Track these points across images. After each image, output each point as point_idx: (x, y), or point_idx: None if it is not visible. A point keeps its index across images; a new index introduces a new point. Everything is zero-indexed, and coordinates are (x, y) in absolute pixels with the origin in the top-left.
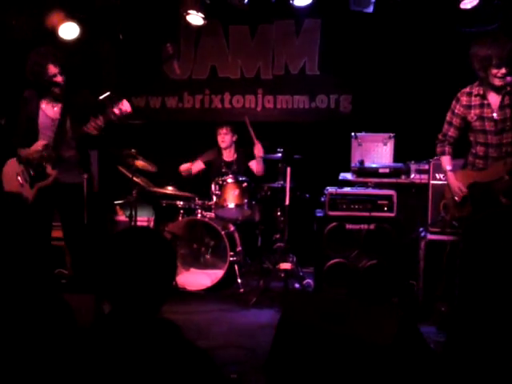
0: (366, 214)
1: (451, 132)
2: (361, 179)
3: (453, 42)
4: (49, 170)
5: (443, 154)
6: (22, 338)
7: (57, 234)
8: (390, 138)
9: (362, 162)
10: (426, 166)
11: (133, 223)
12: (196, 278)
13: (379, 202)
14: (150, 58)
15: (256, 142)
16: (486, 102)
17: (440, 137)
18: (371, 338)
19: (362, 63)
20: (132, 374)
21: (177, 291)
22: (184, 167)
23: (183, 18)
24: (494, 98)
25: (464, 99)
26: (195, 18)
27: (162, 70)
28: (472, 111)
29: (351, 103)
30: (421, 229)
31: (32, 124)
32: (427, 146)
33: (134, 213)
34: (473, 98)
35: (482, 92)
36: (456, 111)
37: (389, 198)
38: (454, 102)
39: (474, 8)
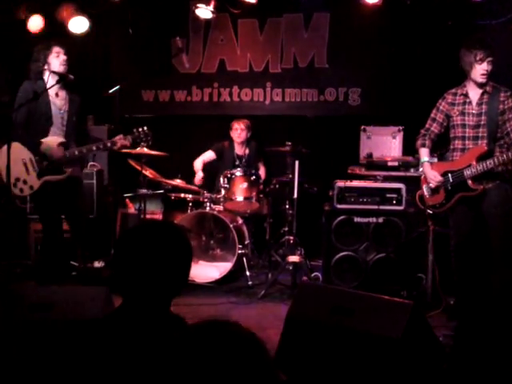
0: (375, 207)
1: (433, 127)
2: (369, 172)
3: (463, 35)
4: (65, 168)
5: (423, 146)
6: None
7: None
8: (398, 131)
9: (370, 155)
10: (436, 159)
11: (142, 216)
12: (205, 271)
13: (388, 195)
14: (159, 52)
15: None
16: (468, 100)
17: (422, 131)
18: (380, 331)
19: (371, 56)
20: (140, 366)
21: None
22: (198, 180)
23: (192, 11)
24: (474, 96)
25: (449, 97)
26: (204, 12)
27: (171, 64)
28: (455, 108)
29: (360, 96)
30: (429, 222)
31: (45, 115)
32: (441, 138)
33: (143, 206)
34: (457, 97)
35: (465, 92)
36: (441, 108)
37: (397, 191)
38: (439, 100)
39: (486, 0)
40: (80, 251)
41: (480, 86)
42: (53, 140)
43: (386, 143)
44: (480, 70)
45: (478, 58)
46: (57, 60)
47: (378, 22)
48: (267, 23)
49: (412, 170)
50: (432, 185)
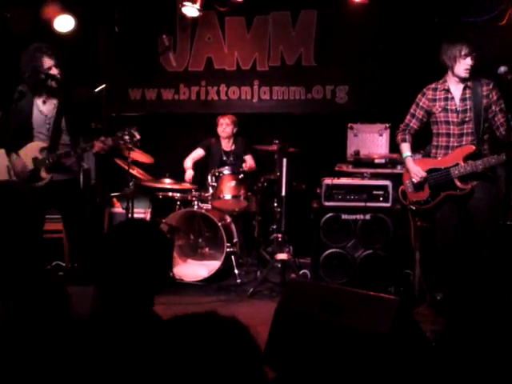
0: (362, 204)
1: (413, 123)
2: (357, 170)
3: (451, 31)
4: (43, 173)
5: (404, 141)
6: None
7: (55, 226)
8: (385, 128)
9: (357, 153)
10: (419, 156)
11: (130, 215)
12: (193, 270)
13: (375, 192)
14: (147, 50)
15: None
16: (450, 95)
17: (402, 126)
18: (368, 327)
19: (358, 54)
20: (125, 365)
21: (174, 282)
22: (188, 178)
23: (179, 9)
24: (456, 92)
25: (430, 93)
26: (191, 10)
27: (159, 62)
28: (437, 104)
29: (347, 94)
30: (415, 218)
31: (25, 121)
32: (423, 136)
33: (130, 205)
34: (438, 93)
35: (446, 87)
36: (421, 104)
37: (384, 188)
38: (419, 96)
39: None
40: (69, 251)
41: (462, 80)
42: (33, 146)
43: (373, 141)
44: (464, 64)
45: (462, 53)
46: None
47: (365, 20)
48: (254, 21)
49: (399, 167)
50: (415, 180)
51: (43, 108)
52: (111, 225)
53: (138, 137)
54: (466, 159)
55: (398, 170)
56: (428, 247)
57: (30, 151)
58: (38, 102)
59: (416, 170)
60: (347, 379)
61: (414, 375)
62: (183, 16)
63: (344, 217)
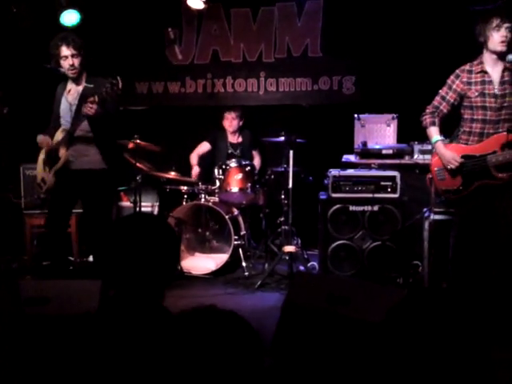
0: (370, 195)
1: (443, 106)
2: (364, 161)
3: (458, 21)
4: (61, 152)
5: (433, 124)
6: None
7: None
8: (393, 118)
9: (365, 144)
10: (430, 147)
11: (137, 209)
12: (201, 263)
13: (382, 183)
14: (152, 44)
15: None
16: (487, 78)
17: (430, 108)
18: (374, 318)
19: (365, 44)
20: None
21: (182, 276)
22: (195, 174)
23: (184, 1)
24: (495, 74)
25: (465, 75)
26: (196, 2)
27: (165, 55)
28: (473, 87)
29: (354, 84)
30: (425, 209)
31: (56, 110)
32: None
33: (138, 198)
34: (474, 75)
35: (484, 69)
36: (454, 87)
37: (392, 179)
38: (452, 78)
39: None
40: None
41: (500, 57)
42: (58, 132)
43: (380, 131)
44: (498, 37)
45: (494, 25)
46: (65, 62)
47: (371, 9)
48: (260, 12)
49: (406, 158)
50: (452, 166)
51: (69, 96)
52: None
53: (119, 83)
54: (503, 147)
55: (406, 160)
56: (438, 239)
57: (56, 137)
58: (66, 90)
59: (451, 155)
60: (353, 370)
61: (420, 367)
62: (188, 8)
63: (352, 208)
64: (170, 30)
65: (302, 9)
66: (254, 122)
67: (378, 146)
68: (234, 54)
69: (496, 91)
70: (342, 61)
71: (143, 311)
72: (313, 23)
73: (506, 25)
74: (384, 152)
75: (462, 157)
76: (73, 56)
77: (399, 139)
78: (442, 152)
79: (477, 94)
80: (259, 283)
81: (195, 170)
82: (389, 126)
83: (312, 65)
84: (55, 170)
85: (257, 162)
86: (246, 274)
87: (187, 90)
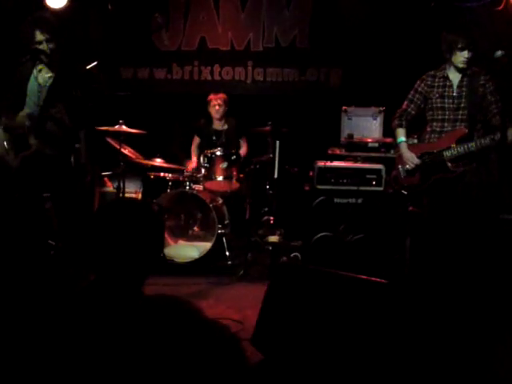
0: (354, 187)
1: (411, 108)
2: (350, 153)
3: (445, 16)
4: (31, 139)
5: (400, 126)
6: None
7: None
8: (379, 112)
9: (351, 136)
10: (415, 141)
11: (121, 195)
12: (184, 251)
13: (368, 176)
14: (139, 29)
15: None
16: (448, 83)
17: (399, 112)
18: (359, 310)
19: (353, 36)
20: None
21: (165, 263)
22: (190, 167)
23: None
24: (455, 79)
25: (428, 79)
26: None
27: (151, 41)
28: (435, 90)
29: (341, 77)
30: (408, 203)
31: (20, 89)
32: (416, 120)
33: (121, 185)
34: (436, 80)
35: (445, 75)
36: (420, 89)
37: (377, 172)
38: (418, 82)
39: None
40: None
41: (460, 70)
42: (23, 113)
43: (366, 124)
44: (460, 56)
45: (459, 46)
46: (39, 49)
47: (360, 2)
48: (249, 1)
49: (392, 152)
50: (409, 166)
51: (40, 78)
52: (102, 204)
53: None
54: (458, 142)
55: (392, 154)
56: (418, 232)
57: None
58: (36, 72)
59: (410, 156)
60: (337, 362)
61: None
62: None
63: (336, 200)
64: (157, 15)
65: None
66: (241, 111)
67: (364, 139)
68: (222, 42)
69: (454, 93)
70: (329, 53)
71: (122, 297)
72: (302, 14)
73: (470, 47)
74: (370, 145)
75: (422, 154)
76: (47, 41)
77: (385, 132)
78: (403, 152)
79: (437, 95)
80: (241, 273)
81: (192, 162)
82: (375, 119)
83: (300, 56)
84: (23, 156)
85: (243, 151)
86: (229, 263)
87: (173, 77)
